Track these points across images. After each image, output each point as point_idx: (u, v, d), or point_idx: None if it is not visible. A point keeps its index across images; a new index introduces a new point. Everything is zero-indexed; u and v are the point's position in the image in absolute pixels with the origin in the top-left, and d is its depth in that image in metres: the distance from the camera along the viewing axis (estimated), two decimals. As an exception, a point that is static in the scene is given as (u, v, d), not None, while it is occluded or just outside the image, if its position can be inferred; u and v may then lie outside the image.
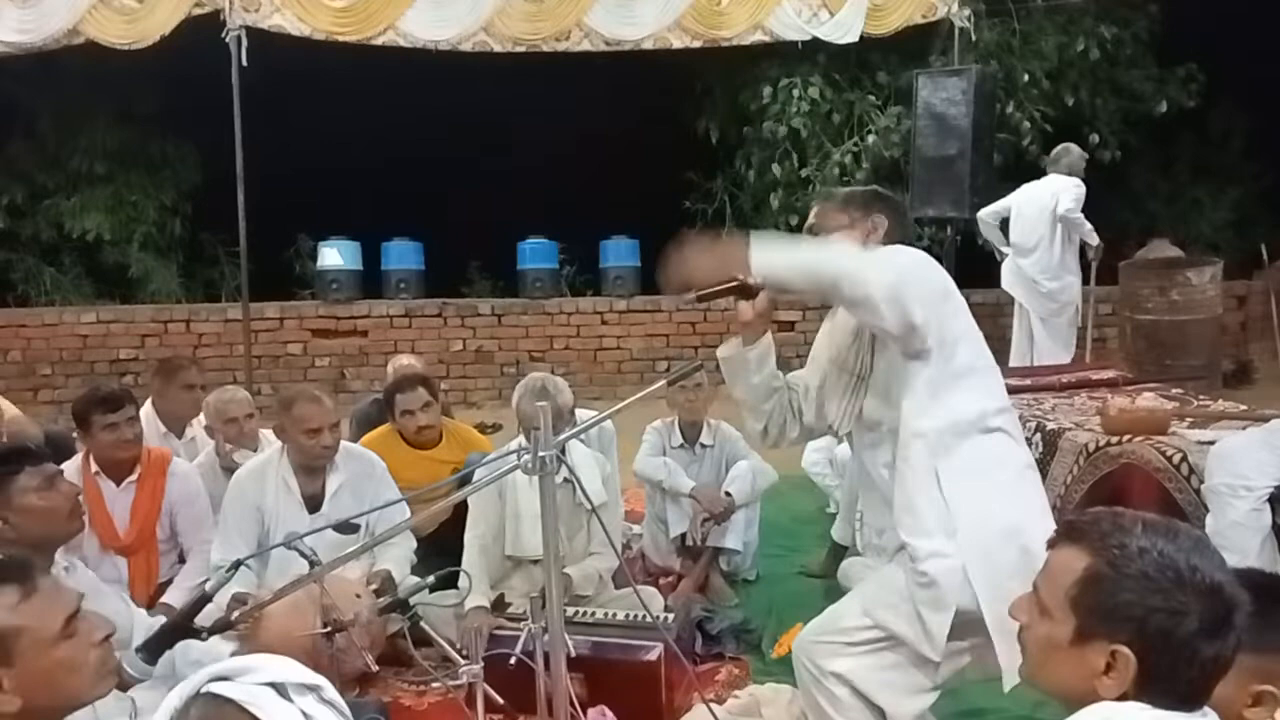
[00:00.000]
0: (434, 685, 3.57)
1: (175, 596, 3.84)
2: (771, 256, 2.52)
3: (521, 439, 3.68)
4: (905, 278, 2.39)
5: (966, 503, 2.43)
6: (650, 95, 9.32)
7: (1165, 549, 1.41)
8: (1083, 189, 7.16)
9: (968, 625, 2.42)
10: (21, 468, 2.92)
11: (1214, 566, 1.40)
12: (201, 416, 4.68)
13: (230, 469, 4.25)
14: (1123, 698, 1.41)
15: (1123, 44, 9.40)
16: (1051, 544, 1.52)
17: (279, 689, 1.25)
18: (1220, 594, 1.39)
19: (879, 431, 2.59)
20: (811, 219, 2.80)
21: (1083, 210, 7.21)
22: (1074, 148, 7.42)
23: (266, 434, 4.60)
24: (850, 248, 2.56)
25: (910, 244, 2.64)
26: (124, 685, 2.43)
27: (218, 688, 1.25)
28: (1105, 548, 1.43)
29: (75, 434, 4.12)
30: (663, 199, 9.69)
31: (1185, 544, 1.42)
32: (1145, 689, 1.40)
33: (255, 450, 4.41)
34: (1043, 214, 7.16)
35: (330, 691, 1.30)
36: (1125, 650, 1.40)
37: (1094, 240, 7.31)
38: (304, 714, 1.24)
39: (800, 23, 8.39)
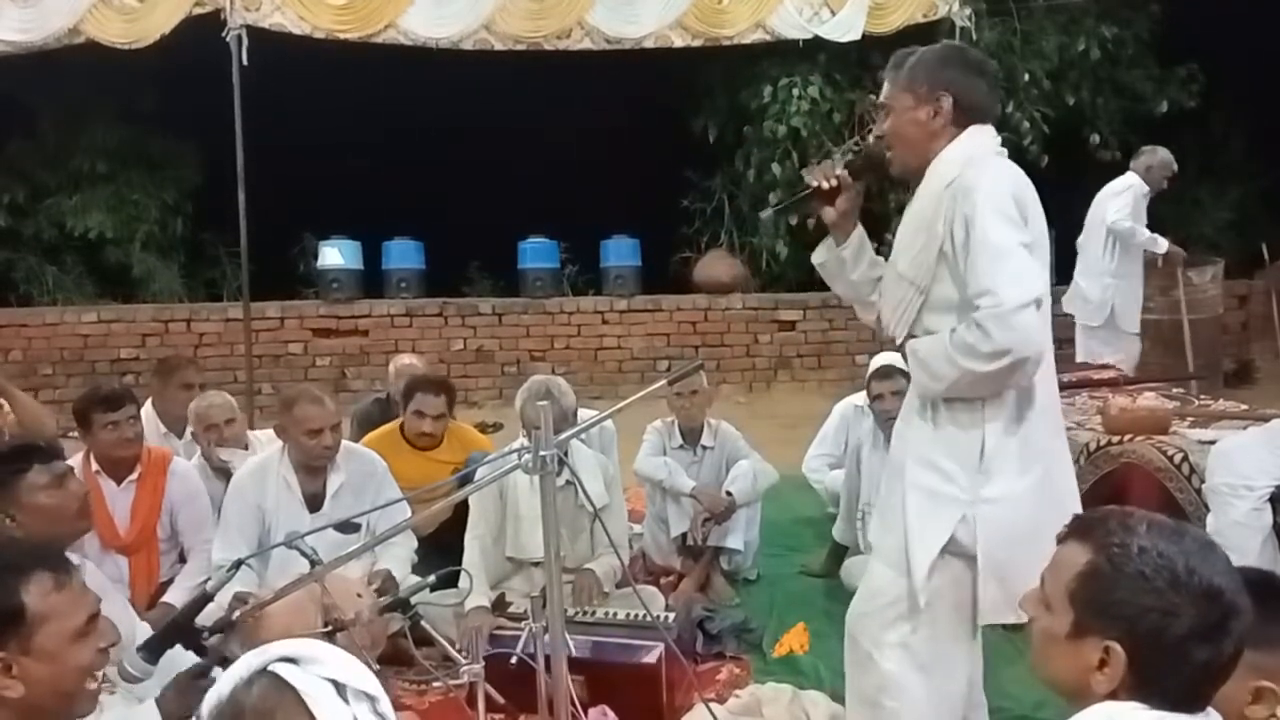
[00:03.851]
0: (435, 685, 3.57)
1: (176, 596, 3.83)
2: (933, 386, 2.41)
3: (523, 439, 3.68)
4: (1027, 302, 2.27)
5: (1005, 455, 2.39)
6: (651, 94, 9.31)
7: (1166, 550, 1.41)
8: (1134, 194, 6.88)
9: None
10: (31, 465, 2.90)
11: (1215, 571, 1.41)
12: (194, 420, 4.68)
13: (220, 469, 4.25)
14: (1113, 695, 1.43)
15: (1124, 44, 9.39)
16: (1061, 538, 1.54)
17: (339, 688, 1.25)
18: (1218, 599, 1.39)
19: None
20: (880, 97, 2.57)
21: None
22: (1160, 150, 7.10)
23: (257, 435, 4.60)
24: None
25: (984, 119, 2.48)
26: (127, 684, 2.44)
27: (282, 670, 1.25)
28: (1107, 545, 1.45)
29: (75, 433, 4.11)
30: (664, 198, 9.70)
31: (1189, 547, 1.42)
32: (1137, 688, 1.42)
33: (245, 449, 4.41)
34: (1093, 216, 7.01)
35: (385, 705, 1.29)
36: (1117, 647, 1.41)
37: (1158, 249, 7.06)
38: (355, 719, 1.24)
39: (802, 21, 8.38)
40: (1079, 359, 6.92)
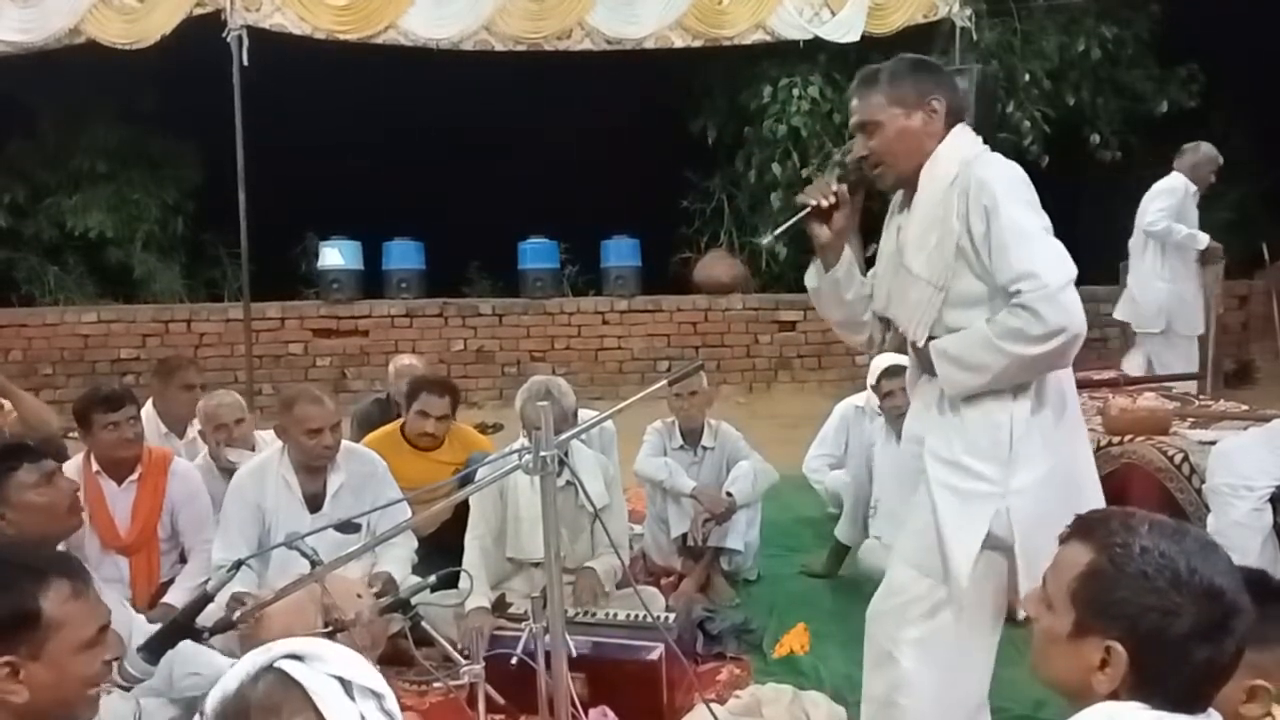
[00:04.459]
0: (435, 685, 3.57)
1: (176, 596, 3.83)
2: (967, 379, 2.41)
3: (523, 439, 3.68)
4: (1069, 281, 2.32)
5: (1031, 444, 2.42)
6: (651, 94, 9.32)
7: (1167, 550, 1.42)
8: (1177, 195, 6.66)
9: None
10: (20, 464, 2.91)
11: (1217, 571, 1.41)
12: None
13: (227, 469, 4.25)
14: (1114, 695, 1.43)
15: (1124, 44, 9.40)
16: (1063, 539, 1.54)
17: (346, 685, 1.25)
18: (1219, 599, 1.39)
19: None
20: (857, 116, 2.54)
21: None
22: (1202, 145, 6.82)
23: (263, 435, 4.60)
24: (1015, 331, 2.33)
25: (962, 119, 2.52)
26: (126, 685, 2.44)
27: (289, 666, 1.25)
28: (1109, 545, 1.45)
29: (75, 433, 4.11)
30: (664, 198, 9.70)
31: (1190, 546, 1.42)
32: (1138, 688, 1.42)
33: (253, 449, 4.40)
34: (1139, 220, 6.83)
35: (391, 702, 1.29)
36: (1118, 646, 1.41)
37: (1197, 244, 6.74)
38: (362, 717, 1.24)
39: (802, 22, 8.39)
40: (1128, 368, 6.55)
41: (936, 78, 2.53)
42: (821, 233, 2.59)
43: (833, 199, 2.55)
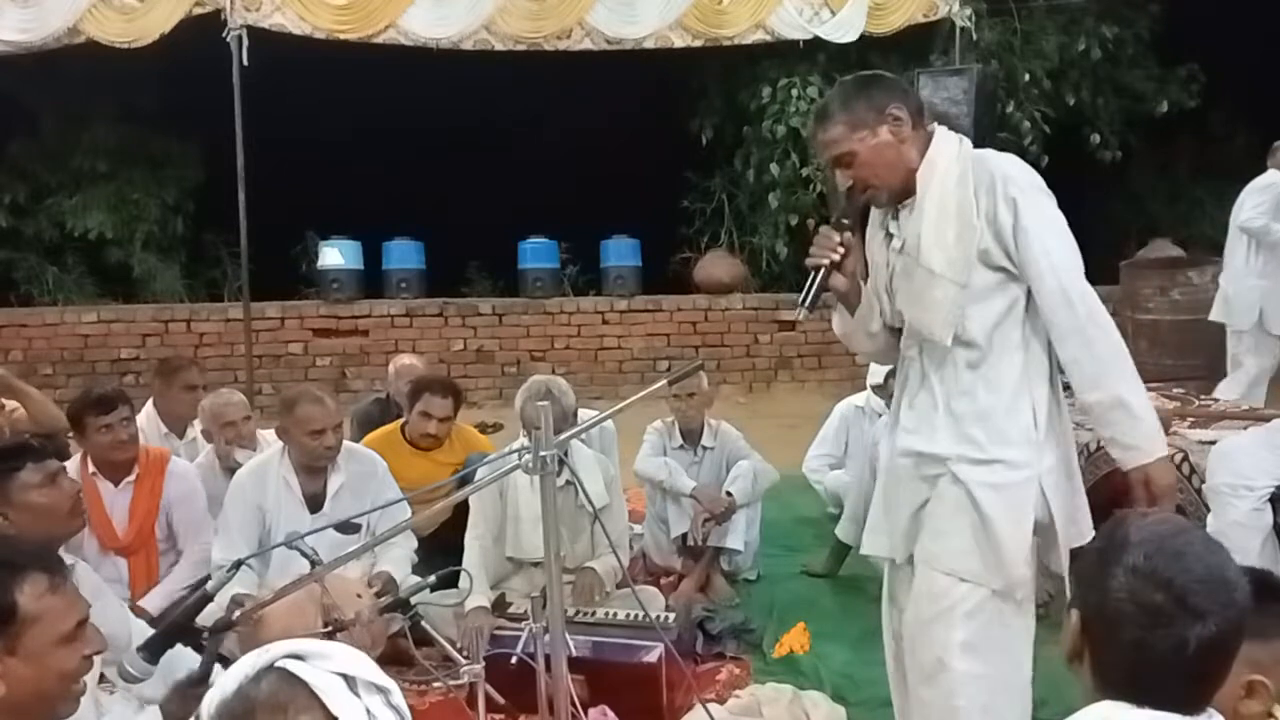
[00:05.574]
0: (435, 685, 3.57)
1: (156, 600, 3.80)
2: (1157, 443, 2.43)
3: (523, 439, 3.68)
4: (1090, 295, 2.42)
5: (1052, 421, 2.49)
6: (651, 94, 9.32)
7: (1143, 539, 1.47)
8: (1273, 190, 6.51)
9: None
10: (24, 464, 2.90)
11: (1181, 569, 1.44)
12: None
13: (232, 469, 4.24)
14: (1074, 659, 1.53)
15: (1124, 44, 9.40)
16: None
17: (349, 681, 1.24)
18: (1164, 589, 1.43)
19: (974, 347, 2.50)
20: (828, 153, 2.54)
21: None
22: None
23: (265, 435, 4.59)
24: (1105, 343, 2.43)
25: (928, 119, 2.55)
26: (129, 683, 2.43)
27: (291, 665, 1.24)
28: (1110, 530, 1.54)
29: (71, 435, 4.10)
30: (664, 198, 9.70)
31: (1174, 543, 1.47)
32: (1096, 665, 1.50)
33: (255, 450, 4.40)
34: (1234, 217, 6.73)
35: (398, 697, 1.28)
36: (1075, 613, 1.53)
37: None
38: (369, 712, 1.23)
39: (802, 22, 8.39)
40: (1224, 394, 6.30)
41: (886, 86, 2.54)
42: (840, 282, 2.61)
43: (842, 250, 2.55)
